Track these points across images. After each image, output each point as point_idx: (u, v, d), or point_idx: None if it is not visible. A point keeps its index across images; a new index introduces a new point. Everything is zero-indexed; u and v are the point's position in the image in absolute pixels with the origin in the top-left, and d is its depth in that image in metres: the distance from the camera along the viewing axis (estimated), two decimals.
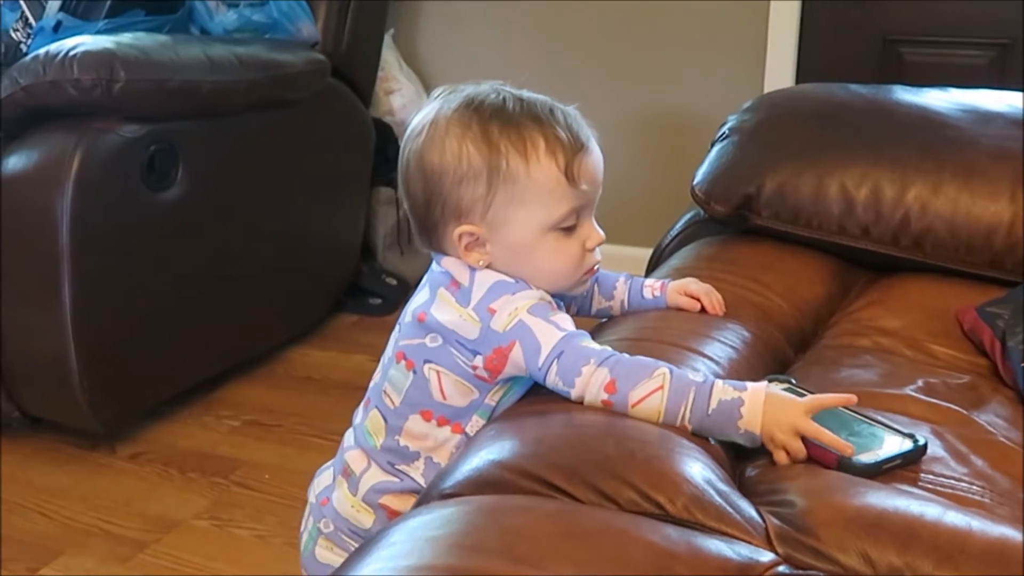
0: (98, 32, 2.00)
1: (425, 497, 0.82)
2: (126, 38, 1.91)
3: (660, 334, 1.06)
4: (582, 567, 0.65)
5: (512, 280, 0.95)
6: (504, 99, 0.95)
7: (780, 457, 0.84)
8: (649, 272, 1.47)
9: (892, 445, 0.87)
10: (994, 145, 1.35)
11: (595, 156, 0.97)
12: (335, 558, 1.06)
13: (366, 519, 1.03)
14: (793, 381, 0.96)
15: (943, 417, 0.96)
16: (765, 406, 0.84)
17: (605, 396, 0.87)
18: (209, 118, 2.04)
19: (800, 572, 0.70)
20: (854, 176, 1.34)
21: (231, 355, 2.26)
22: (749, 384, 0.87)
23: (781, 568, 0.70)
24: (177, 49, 1.97)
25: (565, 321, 0.93)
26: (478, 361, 0.94)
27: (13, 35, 2.20)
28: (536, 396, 0.94)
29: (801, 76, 2.65)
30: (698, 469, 0.78)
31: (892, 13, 2.58)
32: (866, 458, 0.84)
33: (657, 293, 1.14)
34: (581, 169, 0.94)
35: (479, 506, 0.74)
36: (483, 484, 0.78)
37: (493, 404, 0.98)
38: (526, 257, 0.95)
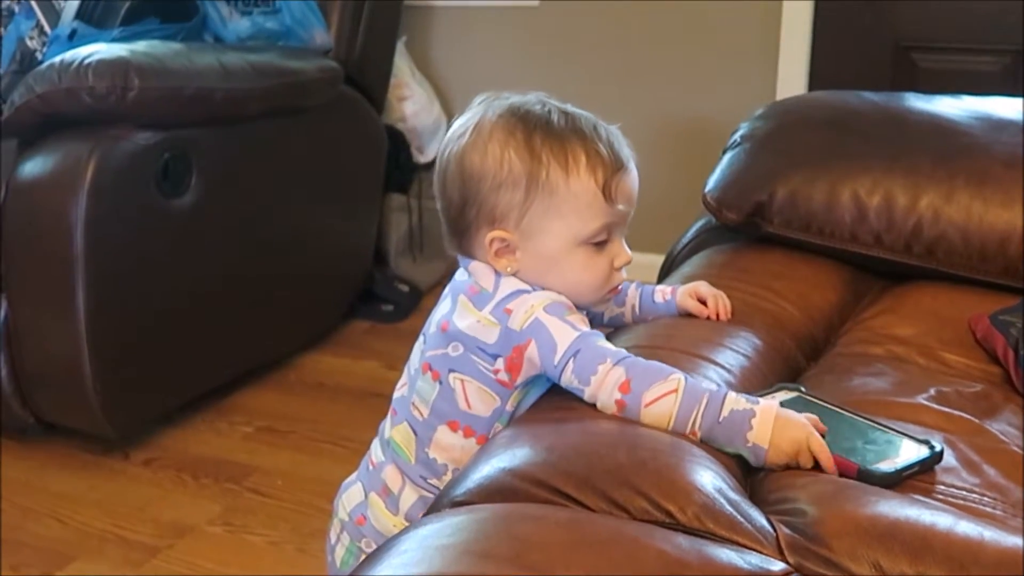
0: (113, 40, 2.02)
1: (436, 505, 0.83)
2: (140, 46, 1.92)
3: (672, 342, 1.06)
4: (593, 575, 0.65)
5: (529, 287, 0.96)
6: (549, 111, 0.97)
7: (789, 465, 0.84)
8: (661, 279, 1.47)
9: (909, 452, 0.86)
10: (1007, 152, 1.35)
11: (633, 176, 0.98)
12: None
13: None
14: (803, 389, 0.96)
15: (956, 426, 0.95)
16: (776, 422, 0.84)
17: (619, 396, 0.87)
18: (223, 125, 2.05)
19: None
20: (866, 184, 1.34)
21: (244, 361, 2.27)
22: (761, 400, 0.87)
23: None
24: (191, 57, 1.98)
25: (581, 322, 0.94)
26: (499, 364, 0.95)
27: (28, 43, 2.22)
28: (547, 403, 0.94)
29: (813, 83, 2.65)
30: (709, 478, 0.78)
31: (905, 20, 2.57)
32: (885, 466, 0.83)
33: (668, 297, 1.14)
34: (619, 187, 0.95)
35: (490, 514, 0.74)
36: (494, 492, 0.79)
37: (511, 411, 0.99)
38: (555, 268, 0.96)
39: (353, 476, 1.12)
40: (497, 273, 0.97)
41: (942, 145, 1.39)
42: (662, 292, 1.15)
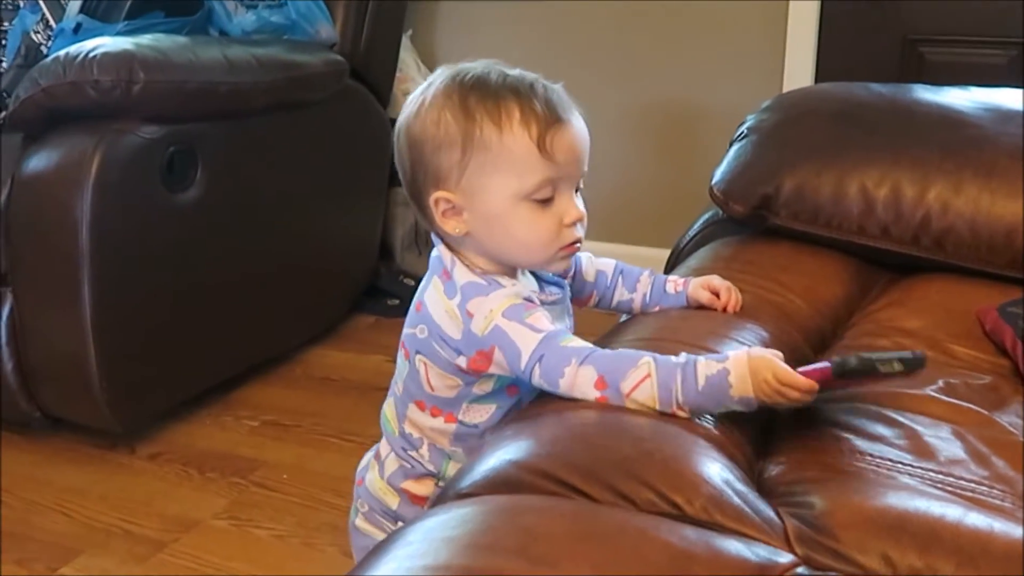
0: (118, 34, 2.02)
1: (442, 496, 0.82)
2: (145, 40, 1.92)
3: (678, 334, 1.06)
4: (599, 567, 0.65)
5: (484, 281, 0.96)
6: (489, 72, 0.97)
7: (782, 405, 0.86)
8: (667, 272, 1.46)
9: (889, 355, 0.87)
10: (1015, 144, 1.34)
11: (574, 131, 0.97)
12: (373, 530, 1.10)
13: (392, 501, 1.07)
14: (914, 357, 0.89)
15: (964, 418, 0.95)
16: (750, 369, 0.85)
17: (598, 393, 0.88)
18: (228, 119, 2.05)
19: (819, 573, 0.69)
20: (874, 176, 1.33)
21: (249, 356, 2.27)
22: (730, 352, 0.88)
23: (800, 570, 0.69)
24: (196, 50, 1.97)
25: (541, 320, 0.93)
26: (461, 361, 0.97)
27: (34, 37, 2.22)
28: (548, 396, 0.93)
29: (820, 76, 2.64)
30: (716, 469, 0.78)
31: (913, 12, 2.56)
32: (858, 357, 0.85)
33: (680, 288, 1.13)
34: (555, 142, 0.94)
35: (496, 506, 0.74)
36: (500, 484, 0.78)
37: (483, 392, 1.00)
38: (501, 227, 0.96)
39: (376, 445, 1.16)
40: (452, 259, 0.99)
41: (950, 137, 1.38)
42: (674, 283, 1.14)
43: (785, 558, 0.70)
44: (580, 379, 0.88)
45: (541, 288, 1.03)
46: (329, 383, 2.30)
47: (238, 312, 2.17)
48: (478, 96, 0.95)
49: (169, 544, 1.68)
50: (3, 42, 2.23)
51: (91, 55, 1.80)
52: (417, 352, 1.00)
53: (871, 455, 0.87)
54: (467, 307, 0.95)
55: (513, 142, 0.94)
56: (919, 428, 0.92)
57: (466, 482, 0.80)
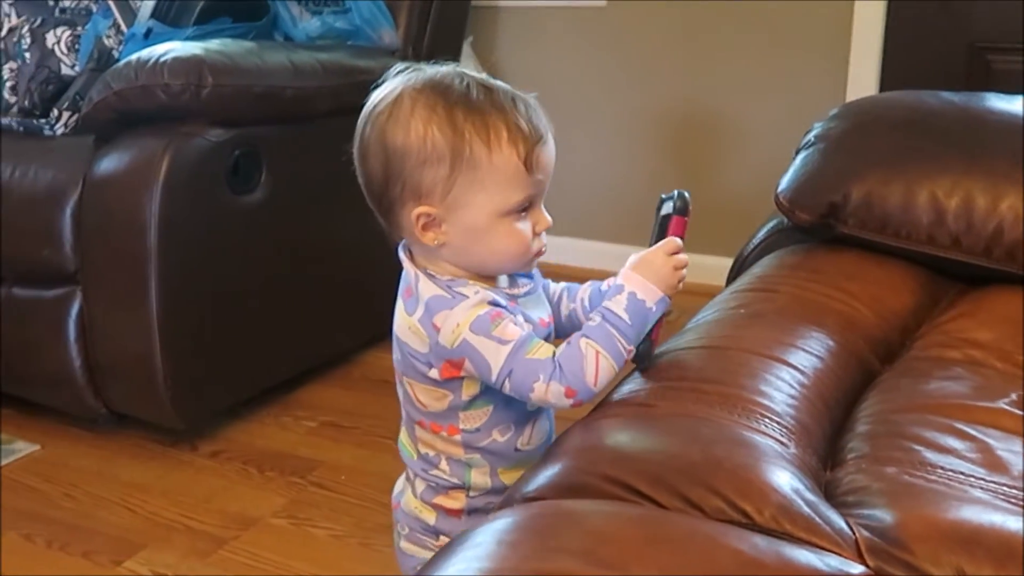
0: (187, 38, 2.06)
1: (507, 500, 0.82)
2: (214, 44, 1.96)
3: (742, 342, 1.05)
4: (668, 573, 0.64)
5: (448, 295, 0.96)
6: (468, 85, 0.96)
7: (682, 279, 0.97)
8: (730, 280, 1.45)
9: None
10: None
11: (551, 147, 0.98)
12: (418, 549, 1.10)
13: (429, 517, 1.07)
14: (677, 193, 0.99)
15: None
16: (644, 276, 0.95)
17: (570, 401, 0.93)
18: (292, 123, 2.08)
19: None
20: (945, 185, 1.31)
21: (309, 357, 2.29)
22: (620, 275, 0.97)
23: None
24: (262, 55, 2.01)
25: (508, 330, 0.94)
26: (434, 373, 0.98)
27: (106, 41, 2.27)
28: (619, 398, 0.93)
29: (885, 84, 2.61)
30: (786, 478, 0.77)
31: (979, 20, 2.52)
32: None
33: (611, 283, 1.06)
34: (539, 159, 0.96)
35: (563, 510, 0.74)
36: (566, 489, 0.78)
37: (471, 397, 1.00)
38: (480, 239, 0.97)
39: None
40: (416, 273, 0.99)
41: (1022, 146, 1.35)
42: (609, 280, 1.08)
43: (856, 569, 0.69)
44: (550, 395, 0.93)
45: (513, 282, 1.04)
46: (387, 385, 2.30)
47: (298, 313, 2.20)
48: (464, 112, 0.94)
49: (229, 541, 1.71)
50: (77, 47, 2.28)
51: (161, 59, 1.84)
52: (403, 374, 1.02)
53: (942, 468, 0.85)
54: (433, 321, 0.95)
55: (502, 161, 0.94)
56: (991, 441, 0.91)
57: (532, 486, 0.80)
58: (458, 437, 1.02)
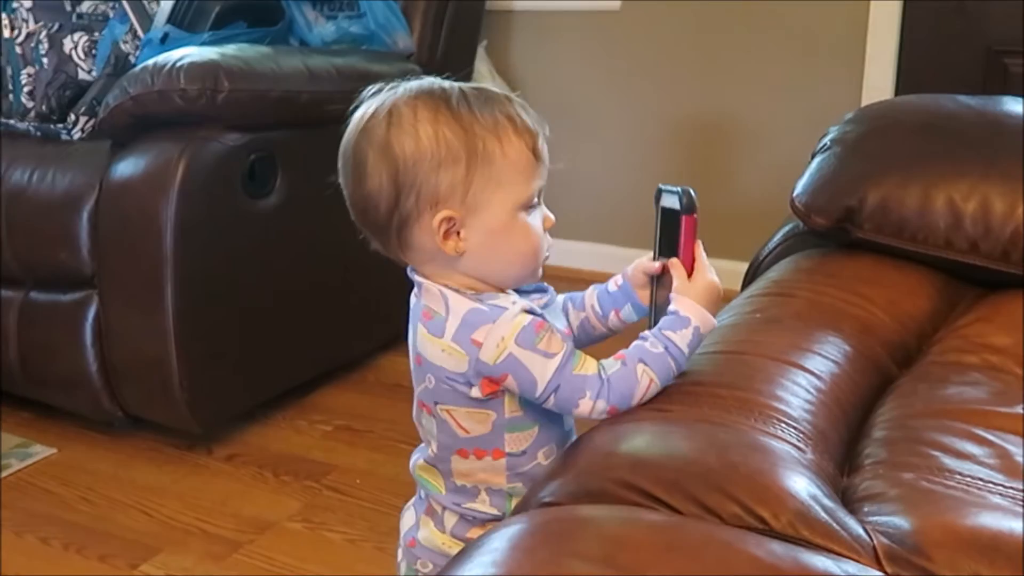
0: (203, 44, 2.06)
1: (524, 504, 0.82)
2: (230, 49, 1.96)
3: (760, 348, 1.05)
4: None
5: (484, 307, 0.93)
6: (458, 88, 0.95)
7: None
8: (745, 285, 1.45)
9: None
10: None
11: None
12: None
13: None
14: (682, 190, 0.96)
15: None
16: (703, 305, 0.94)
17: (606, 416, 0.92)
18: (307, 127, 2.08)
19: None
20: (962, 189, 1.30)
21: (323, 361, 2.30)
22: (680, 307, 0.94)
23: None
24: (278, 60, 2.01)
25: (553, 342, 0.92)
26: (475, 392, 0.94)
27: (122, 47, 2.28)
28: (632, 405, 0.93)
29: (901, 89, 2.60)
30: (803, 484, 0.77)
31: (996, 23, 2.51)
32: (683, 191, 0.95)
33: (620, 282, 1.06)
34: (543, 148, 0.95)
35: (579, 515, 0.74)
36: (582, 494, 0.78)
37: (516, 415, 0.97)
38: (501, 241, 0.94)
39: (411, 501, 1.11)
40: (443, 293, 0.94)
41: None
42: (614, 280, 1.07)
43: None
44: (595, 412, 0.92)
45: (527, 296, 1.00)
46: (401, 389, 2.31)
47: (313, 317, 2.20)
48: (467, 110, 0.92)
49: (244, 545, 1.71)
50: (94, 52, 2.29)
51: (178, 64, 1.84)
52: (436, 403, 0.97)
53: (960, 473, 0.85)
54: (473, 337, 0.91)
55: (514, 152, 0.93)
56: (1009, 447, 0.90)
57: (548, 491, 0.80)
58: (503, 461, 0.98)
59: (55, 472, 1.96)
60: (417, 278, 0.99)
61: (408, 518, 1.09)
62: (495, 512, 1.00)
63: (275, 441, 2.07)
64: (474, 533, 1.01)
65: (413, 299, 1.00)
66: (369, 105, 0.96)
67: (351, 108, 0.98)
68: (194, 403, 1.93)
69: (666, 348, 0.92)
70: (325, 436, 2.10)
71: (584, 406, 0.91)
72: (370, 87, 0.98)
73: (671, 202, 0.97)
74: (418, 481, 1.06)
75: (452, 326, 0.93)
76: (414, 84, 0.96)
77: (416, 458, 1.06)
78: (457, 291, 0.95)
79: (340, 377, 2.34)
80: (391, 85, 0.96)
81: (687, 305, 0.93)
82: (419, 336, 0.96)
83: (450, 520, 1.03)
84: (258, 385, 2.12)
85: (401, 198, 0.93)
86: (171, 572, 1.65)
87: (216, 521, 1.79)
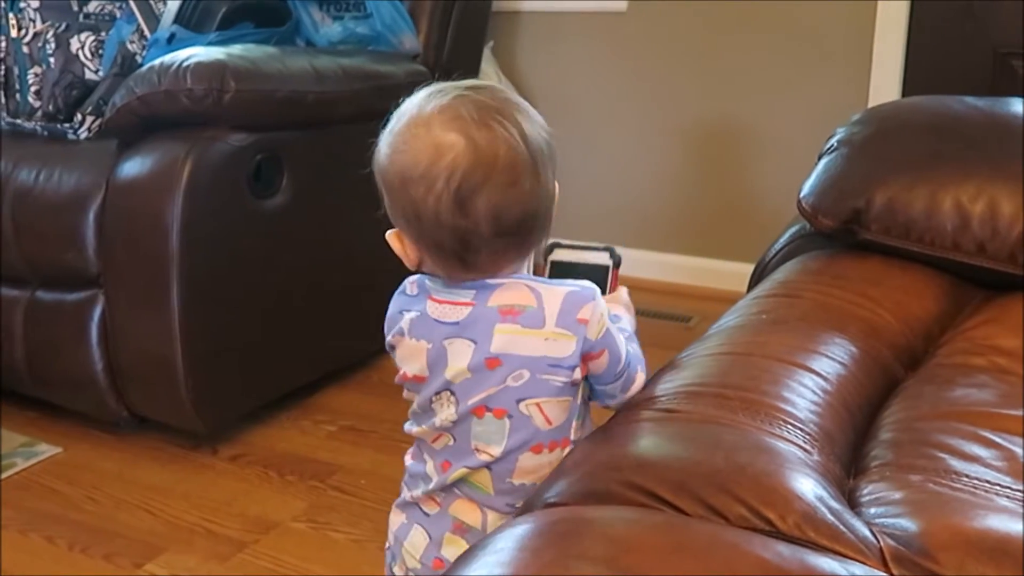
0: (210, 44, 2.07)
1: (529, 505, 0.82)
2: (236, 50, 1.97)
3: (764, 348, 1.05)
4: None
5: (577, 288, 0.93)
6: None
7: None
8: (752, 286, 1.44)
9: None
10: None
11: None
12: None
13: None
14: (611, 249, 1.08)
15: None
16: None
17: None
18: (313, 128, 2.09)
19: None
20: (969, 191, 1.30)
21: (328, 361, 2.30)
22: (624, 317, 1.04)
23: None
24: (285, 60, 2.02)
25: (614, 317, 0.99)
26: (576, 375, 0.94)
27: (129, 47, 2.28)
28: (642, 405, 0.93)
29: (908, 90, 2.60)
30: (810, 486, 0.76)
31: (1003, 25, 2.50)
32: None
33: None
34: None
35: (585, 516, 0.74)
36: (588, 495, 0.78)
37: (582, 400, 0.99)
38: None
39: (403, 519, 1.06)
40: (531, 287, 0.93)
41: None
42: None
43: None
44: (639, 384, 0.98)
45: None
46: None
47: (318, 318, 2.20)
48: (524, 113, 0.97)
49: (249, 544, 1.71)
50: (100, 52, 2.30)
51: (184, 64, 1.85)
52: (520, 400, 0.94)
53: (967, 476, 0.84)
54: (579, 317, 0.91)
55: None
56: (1017, 450, 0.90)
57: (554, 492, 0.80)
58: (567, 450, 0.97)
59: (60, 471, 1.96)
60: (494, 281, 0.95)
61: (417, 539, 1.03)
62: None
63: (280, 441, 2.07)
64: None
65: (445, 312, 0.96)
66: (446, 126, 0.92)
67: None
68: (199, 403, 1.93)
69: (630, 336, 1.01)
70: (330, 436, 2.10)
71: (640, 379, 0.98)
72: (423, 94, 0.96)
73: (601, 258, 1.07)
74: (461, 485, 1.00)
75: (552, 312, 0.92)
76: (455, 93, 0.95)
77: (435, 468, 1.01)
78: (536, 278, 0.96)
79: (345, 377, 2.34)
80: (437, 94, 0.95)
81: (625, 314, 1.04)
82: (501, 337, 0.92)
83: (493, 525, 0.98)
84: (263, 385, 2.12)
85: (541, 215, 0.95)
86: (176, 572, 1.65)
87: (221, 521, 1.79)
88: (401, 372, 1.03)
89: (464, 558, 0.72)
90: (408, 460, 1.07)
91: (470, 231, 0.90)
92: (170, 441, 2.06)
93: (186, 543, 1.72)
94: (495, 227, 0.90)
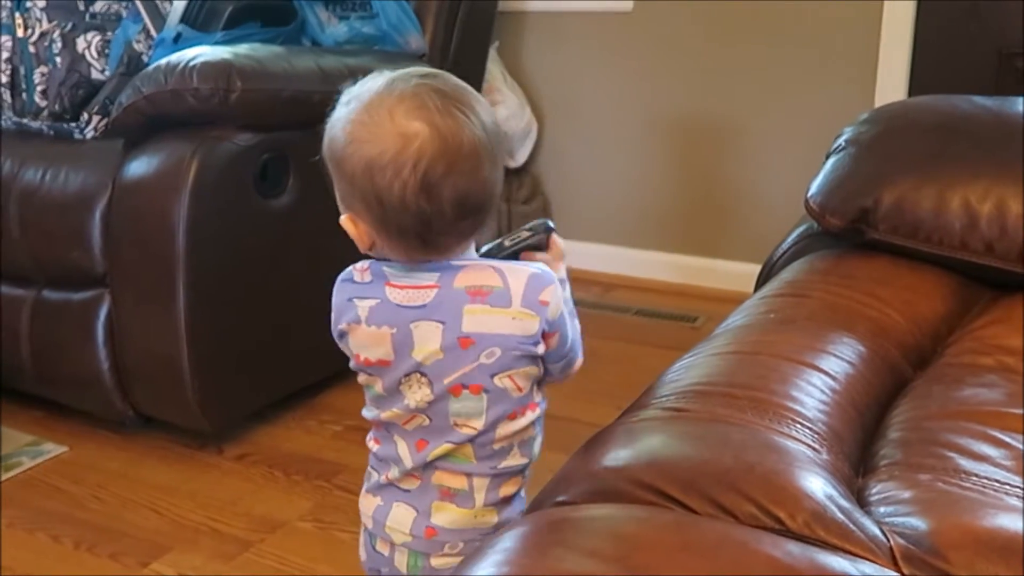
0: (216, 43, 2.07)
1: (538, 503, 0.82)
2: (243, 49, 1.97)
3: (772, 347, 1.04)
4: None
5: (536, 270, 0.97)
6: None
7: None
8: (759, 286, 1.44)
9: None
10: None
11: None
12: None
13: (491, 518, 1.03)
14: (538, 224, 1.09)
15: None
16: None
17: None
18: (320, 127, 2.08)
19: None
20: (977, 190, 1.29)
21: (334, 361, 2.27)
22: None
23: None
24: (291, 60, 2.02)
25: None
26: (540, 348, 0.97)
27: (135, 46, 2.29)
28: (651, 405, 0.93)
29: (913, 90, 2.59)
30: (819, 484, 0.76)
31: (1009, 25, 2.50)
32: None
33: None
34: None
35: (595, 514, 0.74)
36: (597, 493, 0.78)
37: (542, 369, 1.03)
38: None
39: (378, 502, 1.07)
40: (498, 270, 0.96)
41: None
42: None
43: None
44: (576, 368, 1.04)
45: None
46: None
47: (324, 317, 2.19)
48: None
49: (255, 544, 1.71)
50: (107, 51, 2.30)
51: (191, 64, 1.85)
52: (493, 375, 0.97)
53: (977, 475, 0.84)
54: (540, 298, 0.96)
55: None
56: None
57: (563, 491, 0.80)
58: (538, 411, 1.03)
59: (66, 470, 1.97)
60: (457, 263, 0.98)
61: (401, 515, 1.04)
62: (524, 461, 1.04)
63: (286, 441, 2.07)
64: (504, 491, 1.03)
65: (407, 295, 0.98)
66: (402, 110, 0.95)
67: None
68: (205, 402, 1.93)
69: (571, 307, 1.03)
70: (335, 436, 2.10)
71: (578, 363, 1.04)
72: (376, 78, 1.00)
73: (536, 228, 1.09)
74: (439, 461, 1.01)
75: (518, 292, 0.95)
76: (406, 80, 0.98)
77: (409, 449, 1.02)
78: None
79: (350, 377, 2.30)
80: (395, 80, 0.98)
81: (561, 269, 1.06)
82: (472, 317, 0.95)
83: (479, 490, 1.02)
84: (269, 385, 2.12)
85: (494, 194, 1.00)
86: (181, 571, 1.65)
87: (227, 520, 1.79)
88: (362, 358, 1.05)
89: (472, 557, 0.72)
90: (373, 445, 1.08)
91: (435, 215, 0.93)
92: (176, 440, 2.06)
93: (192, 542, 1.72)
94: (458, 211, 0.93)
